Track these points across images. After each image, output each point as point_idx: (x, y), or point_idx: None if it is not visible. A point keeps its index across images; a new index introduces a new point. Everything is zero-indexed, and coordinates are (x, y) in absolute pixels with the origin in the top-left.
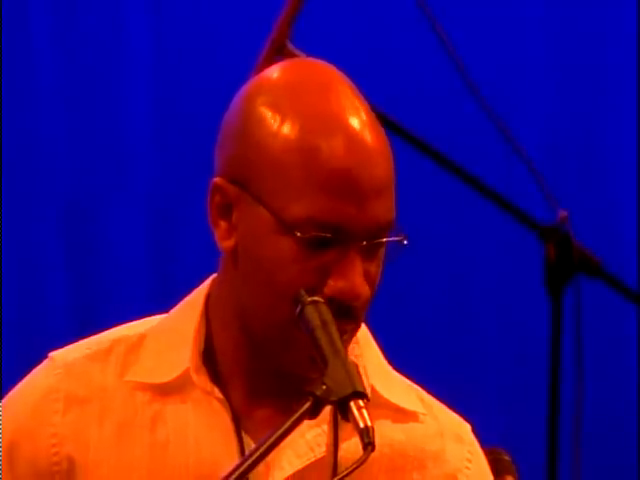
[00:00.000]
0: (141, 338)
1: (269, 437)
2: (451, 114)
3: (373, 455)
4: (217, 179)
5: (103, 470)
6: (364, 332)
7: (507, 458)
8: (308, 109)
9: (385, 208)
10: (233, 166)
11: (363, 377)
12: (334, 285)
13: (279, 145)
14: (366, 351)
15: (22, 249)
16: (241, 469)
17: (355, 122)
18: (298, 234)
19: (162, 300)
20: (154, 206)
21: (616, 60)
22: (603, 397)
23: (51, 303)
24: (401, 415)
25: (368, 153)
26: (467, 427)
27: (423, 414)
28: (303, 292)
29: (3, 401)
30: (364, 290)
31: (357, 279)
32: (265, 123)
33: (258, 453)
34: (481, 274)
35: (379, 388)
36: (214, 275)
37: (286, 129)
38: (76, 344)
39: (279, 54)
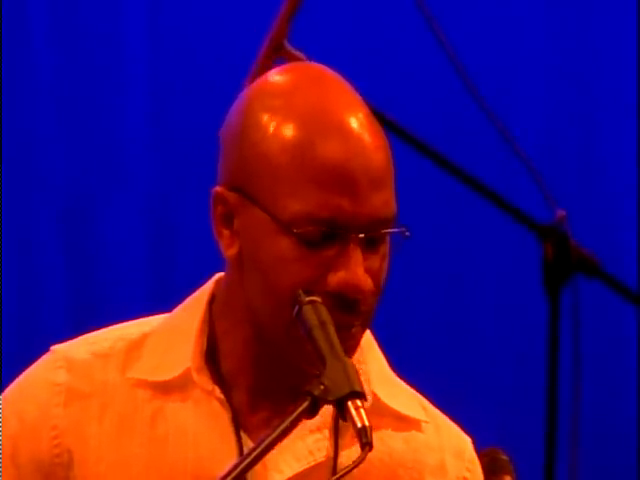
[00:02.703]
0: (144, 337)
1: (267, 436)
2: (450, 114)
3: (374, 464)
4: (217, 188)
5: (102, 465)
6: (368, 338)
7: (505, 457)
8: (303, 109)
9: (382, 201)
10: (232, 173)
11: (365, 383)
12: (335, 278)
13: (275, 146)
14: (369, 357)
15: (22, 249)
16: (239, 468)
17: (350, 118)
18: (295, 230)
19: (160, 300)
20: (152, 206)
21: (615, 60)
22: (601, 397)
23: (50, 303)
24: (403, 423)
25: (362, 146)
26: (468, 441)
27: (425, 422)
28: (301, 292)
29: (4, 393)
30: (366, 282)
31: (358, 270)
32: (261, 127)
33: (256, 452)
34: (479, 273)
35: (381, 395)
36: (218, 275)
37: (282, 130)
38: (79, 339)
39: (277, 53)
